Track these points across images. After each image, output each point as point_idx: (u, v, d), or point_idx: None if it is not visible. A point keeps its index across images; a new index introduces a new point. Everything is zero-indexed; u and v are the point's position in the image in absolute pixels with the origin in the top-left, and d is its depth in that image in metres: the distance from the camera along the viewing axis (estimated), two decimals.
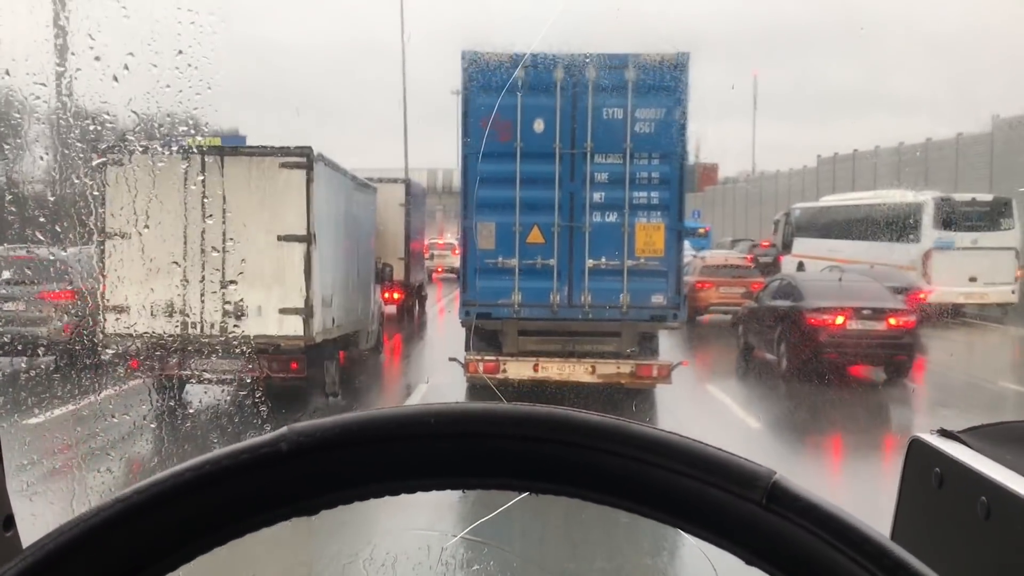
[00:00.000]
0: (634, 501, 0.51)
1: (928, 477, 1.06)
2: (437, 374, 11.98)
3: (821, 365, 12.51)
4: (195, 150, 9.64)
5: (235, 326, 9.80)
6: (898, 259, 19.93)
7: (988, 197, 20.60)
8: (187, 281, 9.60)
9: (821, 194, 30.55)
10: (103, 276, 9.71)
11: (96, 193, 9.62)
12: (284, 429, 0.51)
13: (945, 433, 1.12)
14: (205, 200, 9.56)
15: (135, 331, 9.48)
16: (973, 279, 18.91)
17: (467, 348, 10.78)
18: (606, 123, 10.30)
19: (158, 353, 9.52)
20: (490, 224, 10.43)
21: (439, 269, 28.25)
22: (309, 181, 9.70)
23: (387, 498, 0.52)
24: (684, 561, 5.15)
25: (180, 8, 5.96)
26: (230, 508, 0.50)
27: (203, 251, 9.60)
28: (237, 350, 9.71)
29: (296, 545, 5.01)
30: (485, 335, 10.68)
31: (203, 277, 9.67)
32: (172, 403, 10.00)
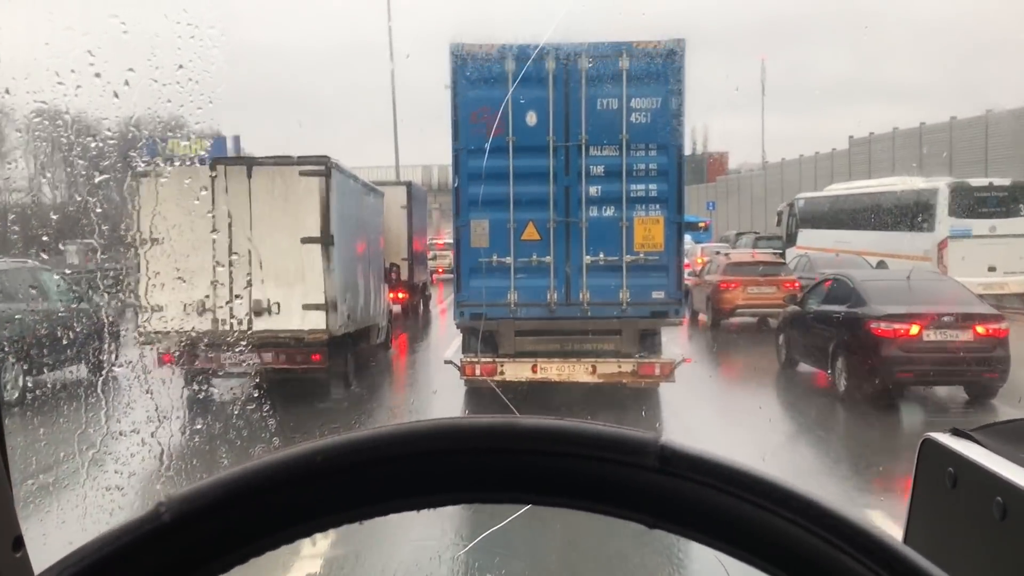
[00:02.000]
0: (535, 493, 0.54)
1: (942, 477, 1.06)
2: (440, 373, 11.88)
3: (890, 385, 10.95)
4: (223, 162, 10.99)
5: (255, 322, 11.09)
6: (911, 249, 19.86)
7: (1006, 181, 20.33)
8: (216, 282, 10.92)
9: (845, 179, 29.86)
10: (139, 280, 11.01)
11: (131, 205, 10.96)
12: (161, 499, 0.51)
13: (958, 432, 1.12)
14: (232, 207, 10.88)
15: (169, 329, 10.75)
16: (992, 268, 18.53)
17: (463, 350, 10.94)
18: (601, 114, 10.30)
19: (190, 348, 10.80)
20: (483, 222, 10.45)
21: (439, 270, 28.15)
22: (327, 188, 11.03)
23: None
24: (696, 568, 5.32)
25: (179, 23, 6.14)
26: None
27: (231, 254, 10.91)
28: (263, 344, 11.03)
29: (304, 554, 5.49)
30: (482, 335, 10.73)
31: (231, 278, 10.99)
32: (201, 395, 11.26)
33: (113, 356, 12.00)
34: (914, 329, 10.80)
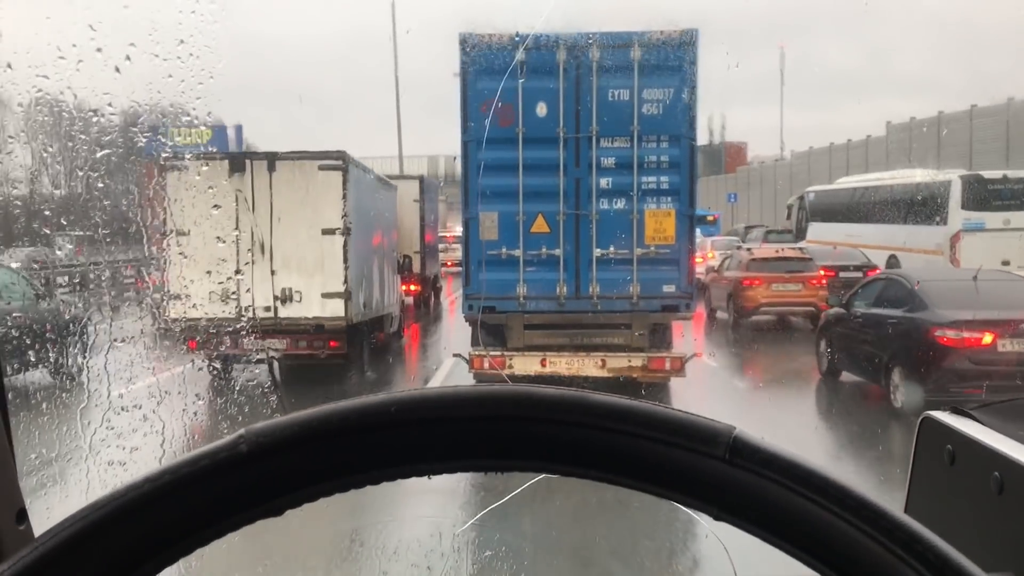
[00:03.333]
0: (601, 470, 0.55)
1: (940, 454, 1.11)
2: (453, 362, 12.10)
3: (958, 402, 9.71)
4: (246, 156, 11.83)
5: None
6: (923, 243, 20.01)
7: (1020, 173, 20.38)
8: (240, 271, 11.76)
9: (875, 169, 29.30)
10: (166, 268, 11.87)
11: (160, 196, 11.81)
12: (242, 431, 0.53)
13: (957, 410, 1.16)
14: (255, 199, 11.71)
15: (195, 315, 11.59)
16: (1006, 263, 17.95)
17: (473, 343, 11.06)
18: (612, 105, 10.39)
19: (214, 334, 11.63)
20: (492, 214, 10.57)
21: (448, 263, 28.05)
22: (345, 182, 11.85)
23: (398, 483, 0.56)
24: (695, 542, 5.40)
25: None
26: (194, 516, 0.53)
27: (254, 244, 11.74)
28: (285, 331, 11.87)
29: (305, 529, 5.92)
30: (491, 328, 10.90)
31: (253, 267, 11.81)
32: (221, 381, 12.09)
33: (114, 339, 12.48)
34: (987, 338, 9.84)
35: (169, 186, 11.86)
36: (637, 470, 0.54)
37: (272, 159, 12.02)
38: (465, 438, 0.55)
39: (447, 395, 0.56)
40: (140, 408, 7.75)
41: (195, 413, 8.89)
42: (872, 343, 11.41)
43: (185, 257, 11.76)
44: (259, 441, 0.53)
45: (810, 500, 0.52)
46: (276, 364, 13.05)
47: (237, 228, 11.90)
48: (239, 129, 35.97)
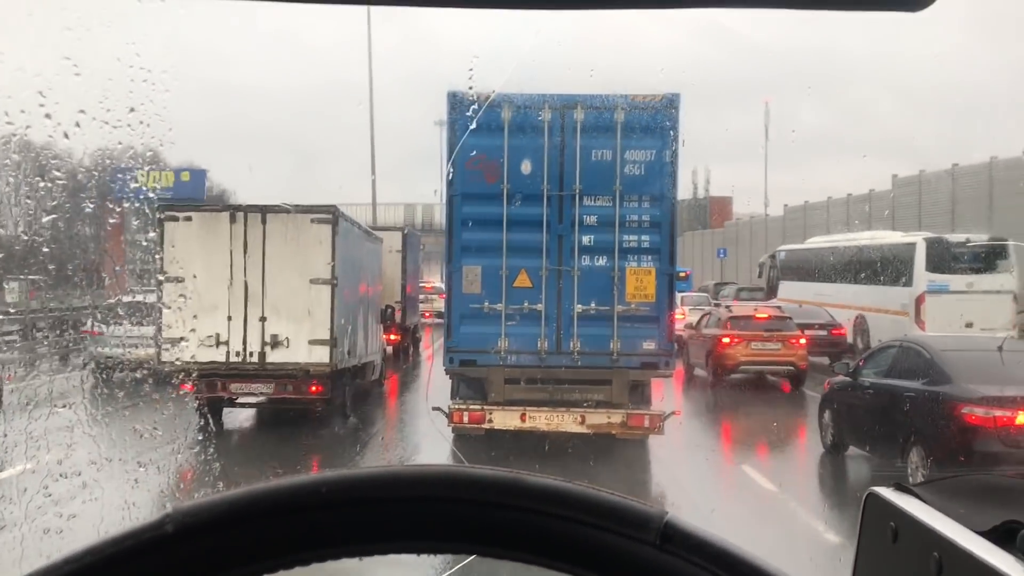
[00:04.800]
0: (533, 553, 0.55)
1: (884, 531, 1.12)
2: (430, 413, 11.89)
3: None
4: (241, 209, 12.84)
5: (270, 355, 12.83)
6: (890, 303, 20.64)
7: (983, 237, 21.05)
8: (231, 317, 12.65)
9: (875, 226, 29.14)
10: (161, 314, 12.74)
11: (156, 246, 12.75)
12: (168, 510, 0.53)
13: (901, 487, 1.18)
14: (248, 249, 12.68)
15: (189, 359, 12.43)
16: (969, 324, 18.66)
17: (452, 396, 11.30)
18: (595, 165, 10.75)
19: (206, 377, 12.47)
20: (476, 268, 10.86)
21: (426, 314, 28.45)
22: (334, 234, 12.83)
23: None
24: None
25: (132, 67, 6.29)
26: None
27: (246, 292, 12.67)
28: (272, 375, 12.74)
29: None
30: (471, 382, 11.16)
31: (245, 314, 12.71)
32: (213, 425, 12.88)
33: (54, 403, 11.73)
34: (1021, 417, 9.17)
35: (166, 234, 12.82)
36: (569, 554, 0.55)
37: (264, 211, 13.01)
38: (397, 520, 0.55)
39: (379, 475, 0.56)
40: (80, 475, 7.59)
41: (136, 480, 8.76)
42: (886, 418, 10.68)
43: (179, 303, 12.65)
44: (185, 521, 0.53)
45: None
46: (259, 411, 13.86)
47: (231, 276, 12.82)
48: (203, 174, 37.10)
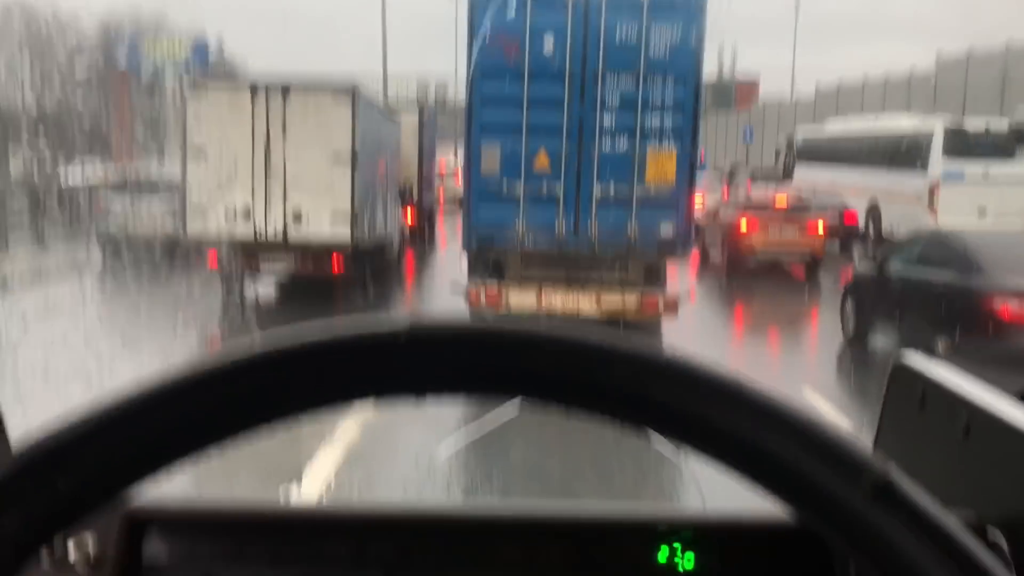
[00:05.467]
0: (732, 466, 0.52)
1: (911, 398, 1.14)
2: (448, 289, 12.15)
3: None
4: (262, 85, 13.10)
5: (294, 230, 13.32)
6: (904, 189, 20.44)
7: (1003, 123, 20.62)
8: (255, 193, 13.06)
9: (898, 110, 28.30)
10: (185, 187, 13.16)
11: (182, 121, 13.08)
12: (407, 318, 0.53)
13: (928, 354, 1.19)
14: (270, 126, 12.98)
15: (213, 233, 12.90)
16: (983, 212, 18.74)
17: (469, 275, 11.39)
18: (619, 43, 10.54)
19: (231, 251, 12.96)
20: (495, 148, 10.83)
21: (441, 195, 27.98)
22: (354, 113, 13.10)
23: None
24: (670, 474, 5.56)
25: None
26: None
27: (268, 168, 13.03)
28: (295, 250, 13.24)
29: (276, 457, 5.65)
30: (488, 263, 11.23)
31: (267, 190, 13.11)
32: (237, 295, 13.47)
33: None
34: None
35: (189, 108, 13.11)
36: (774, 479, 0.51)
37: (286, 88, 13.22)
38: (616, 387, 0.52)
39: (614, 345, 0.52)
40: None
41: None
42: (914, 309, 10.40)
43: (204, 178, 13.05)
44: (417, 334, 0.51)
45: (949, 570, 0.49)
46: (280, 285, 14.47)
47: (252, 152, 13.16)
48: (220, 42, 36.54)
